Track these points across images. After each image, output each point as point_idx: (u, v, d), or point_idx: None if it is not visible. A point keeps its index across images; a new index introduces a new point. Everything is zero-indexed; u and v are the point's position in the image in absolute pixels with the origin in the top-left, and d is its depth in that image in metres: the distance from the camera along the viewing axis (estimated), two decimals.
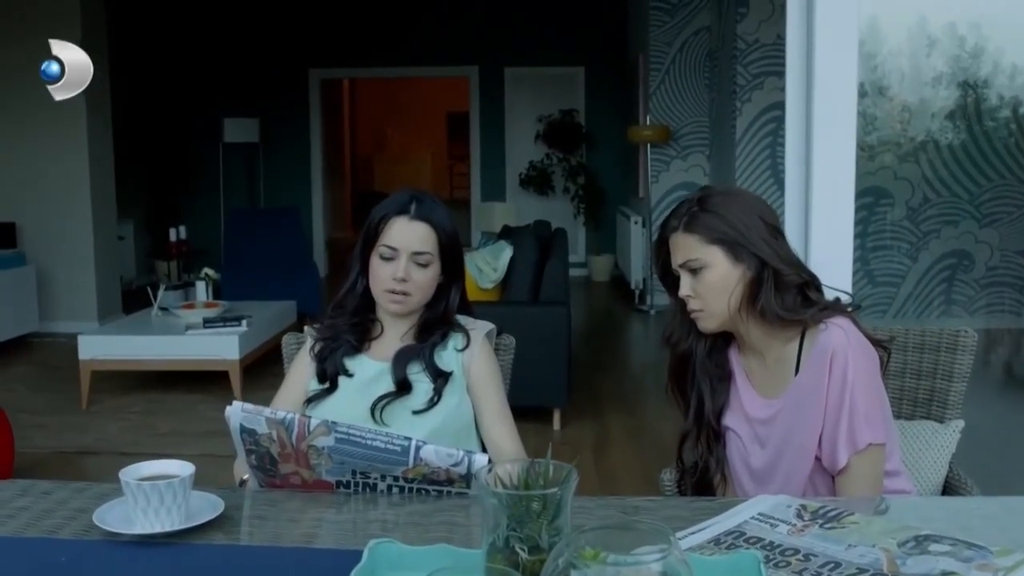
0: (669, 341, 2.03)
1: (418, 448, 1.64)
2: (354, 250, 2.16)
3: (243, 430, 1.67)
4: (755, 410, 1.94)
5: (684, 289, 1.92)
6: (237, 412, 1.66)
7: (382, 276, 2.06)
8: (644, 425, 5.47)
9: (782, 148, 2.64)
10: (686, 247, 1.92)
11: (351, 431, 1.65)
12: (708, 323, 1.94)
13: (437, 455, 1.64)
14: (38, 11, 7.58)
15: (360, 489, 1.71)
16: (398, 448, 1.64)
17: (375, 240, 2.08)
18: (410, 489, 1.69)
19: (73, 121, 7.71)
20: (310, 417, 1.67)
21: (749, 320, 1.90)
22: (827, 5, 2.39)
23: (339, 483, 1.71)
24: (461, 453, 1.64)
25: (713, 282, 1.89)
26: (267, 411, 1.66)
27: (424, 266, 2.07)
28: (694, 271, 1.91)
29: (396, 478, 1.68)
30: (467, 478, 1.65)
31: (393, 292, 2.06)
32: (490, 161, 12.00)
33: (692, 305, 1.93)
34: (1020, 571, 1.24)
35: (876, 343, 1.87)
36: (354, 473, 1.69)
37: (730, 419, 1.99)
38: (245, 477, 1.85)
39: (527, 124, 11.79)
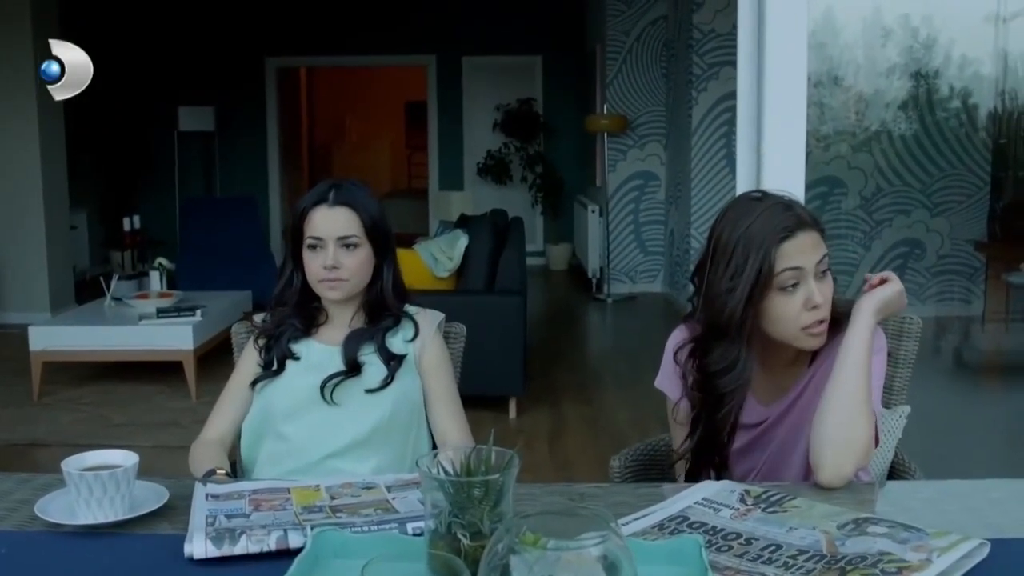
0: (741, 378, 1.72)
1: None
2: (285, 249, 2.17)
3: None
4: (752, 417, 1.86)
5: (817, 296, 1.68)
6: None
7: (314, 267, 2.07)
8: (600, 413, 5.50)
9: None
10: (819, 245, 1.71)
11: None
12: (823, 339, 1.72)
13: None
14: None
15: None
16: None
17: (302, 234, 2.09)
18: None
19: (23, 109, 7.58)
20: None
21: None
22: None
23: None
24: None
25: (832, 286, 1.72)
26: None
27: (352, 248, 2.06)
28: (823, 273, 1.70)
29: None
30: None
31: (327, 280, 2.06)
32: (448, 150, 11.97)
33: (819, 316, 1.69)
34: (953, 552, 1.26)
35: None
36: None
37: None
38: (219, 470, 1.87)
39: (485, 113, 11.76)
